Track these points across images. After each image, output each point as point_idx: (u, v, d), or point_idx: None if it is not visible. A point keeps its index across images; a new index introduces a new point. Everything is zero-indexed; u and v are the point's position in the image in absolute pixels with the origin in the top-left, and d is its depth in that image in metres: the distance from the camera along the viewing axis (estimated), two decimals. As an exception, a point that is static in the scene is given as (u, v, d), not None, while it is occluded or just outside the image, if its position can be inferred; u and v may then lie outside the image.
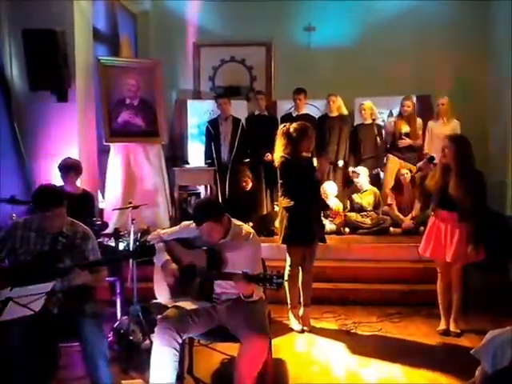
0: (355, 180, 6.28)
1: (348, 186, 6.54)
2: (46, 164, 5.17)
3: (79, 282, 2.95)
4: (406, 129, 6.32)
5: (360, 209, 6.22)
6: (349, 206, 6.32)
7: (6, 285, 2.41)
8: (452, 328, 4.13)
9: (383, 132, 6.58)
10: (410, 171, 6.15)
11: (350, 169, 6.40)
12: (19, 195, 4.58)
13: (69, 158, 4.64)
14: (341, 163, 6.48)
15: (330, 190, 6.21)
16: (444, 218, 3.99)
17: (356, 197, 6.29)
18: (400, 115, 6.40)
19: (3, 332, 2.57)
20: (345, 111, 6.64)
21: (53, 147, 5.24)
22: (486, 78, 7.38)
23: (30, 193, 5.02)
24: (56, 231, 2.99)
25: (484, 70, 7.39)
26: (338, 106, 6.56)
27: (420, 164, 4.13)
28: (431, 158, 4.10)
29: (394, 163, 6.39)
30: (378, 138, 6.47)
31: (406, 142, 6.29)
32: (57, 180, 4.55)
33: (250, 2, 7.69)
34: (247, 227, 3.14)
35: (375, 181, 6.51)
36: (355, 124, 6.77)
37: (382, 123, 6.78)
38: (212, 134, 6.54)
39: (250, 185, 6.19)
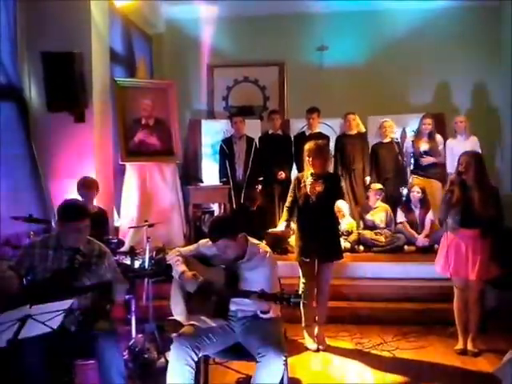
0: (373, 197, 6.27)
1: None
2: (63, 183, 5.23)
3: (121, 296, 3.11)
4: (425, 147, 6.32)
5: (373, 226, 6.21)
6: (362, 225, 6.31)
7: (25, 302, 2.43)
8: (470, 347, 4.07)
9: (403, 151, 6.58)
10: (423, 190, 6.15)
11: (372, 185, 6.38)
12: (36, 214, 4.66)
13: (86, 176, 4.76)
14: (368, 180, 6.49)
15: (343, 208, 6.21)
16: (465, 236, 3.95)
17: (368, 215, 6.30)
18: (419, 133, 6.39)
19: (21, 349, 2.59)
20: (363, 129, 6.69)
21: (70, 167, 5.32)
22: (498, 93, 7.41)
23: (46, 212, 5.11)
24: (78, 246, 3.03)
25: (497, 86, 7.42)
26: (357, 124, 6.60)
27: (452, 178, 4.07)
28: (460, 173, 3.96)
29: (417, 182, 6.36)
30: (400, 157, 6.45)
31: (430, 159, 6.29)
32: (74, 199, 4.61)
33: (263, 23, 7.82)
34: (264, 246, 3.16)
35: (399, 200, 6.47)
36: (370, 142, 6.78)
37: (397, 141, 6.76)
38: (226, 152, 6.60)
39: (257, 203, 6.23)
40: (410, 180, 6.51)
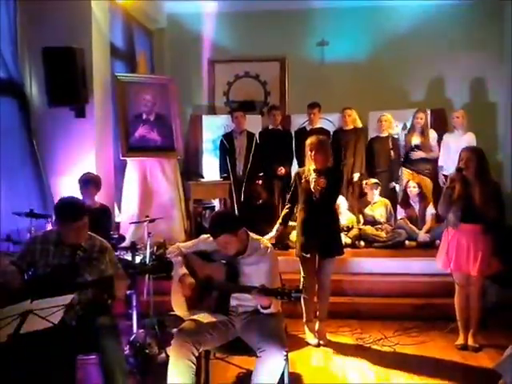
0: (370, 192, 6.26)
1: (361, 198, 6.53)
2: (64, 179, 5.24)
3: (122, 292, 3.12)
4: (416, 141, 6.32)
5: (373, 221, 6.20)
6: (362, 220, 6.31)
7: (26, 297, 2.44)
8: (470, 342, 4.07)
9: (398, 145, 6.56)
10: (419, 185, 6.14)
11: (364, 181, 6.36)
12: (37, 209, 4.66)
13: (89, 172, 4.74)
14: (356, 176, 6.45)
15: (341, 203, 6.19)
16: (466, 231, 3.94)
17: (367, 209, 6.28)
18: (412, 128, 6.40)
19: (22, 344, 2.59)
20: (359, 124, 6.64)
21: (70, 162, 5.32)
22: (499, 89, 7.40)
23: (47, 207, 5.11)
24: (78, 243, 3.03)
25: (498, 82, 7.40)
26: (353, 120, 6.57)
27: (452, 175, 4.06)
28: (459, 169, 3.93)
29: (406, 176, 6.38)
30: (392, 152, 6.42)
31: (420, 154, 6.29)
32: (74, 194, 4.61)
33: (264, 18, 7.80)
34: (265, 241, 3.15)
35: (391, 194, 6.47)
36: (370, 137, 6.77)
37: (395, 136, 6.76)
38: (227, 148, 6.59)
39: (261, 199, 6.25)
40: (400, 173, 6.49)
